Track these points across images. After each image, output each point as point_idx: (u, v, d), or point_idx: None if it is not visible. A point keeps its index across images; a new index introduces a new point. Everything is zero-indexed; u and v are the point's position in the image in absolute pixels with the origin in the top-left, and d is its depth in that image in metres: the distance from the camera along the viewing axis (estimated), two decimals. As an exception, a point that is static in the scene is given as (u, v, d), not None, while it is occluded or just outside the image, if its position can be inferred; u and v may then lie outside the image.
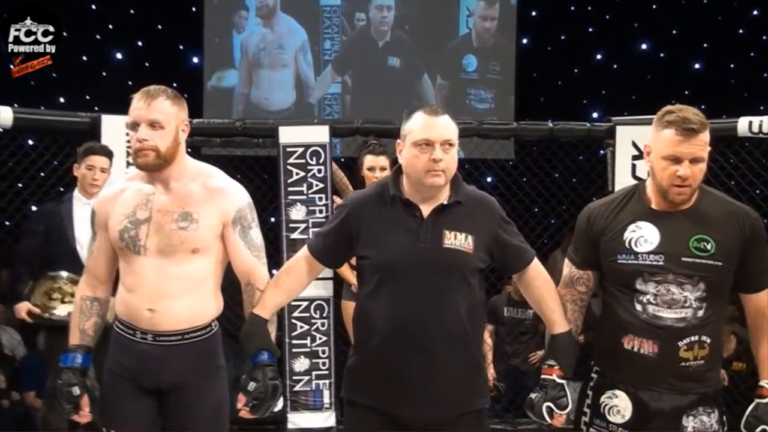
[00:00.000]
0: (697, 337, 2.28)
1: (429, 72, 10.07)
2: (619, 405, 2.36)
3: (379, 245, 2.36)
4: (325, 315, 4.51)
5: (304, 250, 2.55)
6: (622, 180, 4.46)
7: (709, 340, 2.29)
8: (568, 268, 2.52)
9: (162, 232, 2.45)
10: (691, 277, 2.27)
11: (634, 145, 4.49)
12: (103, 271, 2.60)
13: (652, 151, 2.32)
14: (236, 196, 2.55)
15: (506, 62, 10.13)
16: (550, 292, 2.47)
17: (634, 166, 4.50)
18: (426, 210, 2.35)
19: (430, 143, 2.30)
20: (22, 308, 4.03)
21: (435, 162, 2.28)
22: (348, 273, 4.14)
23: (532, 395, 2.44)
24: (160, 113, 2.42)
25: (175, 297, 2.47)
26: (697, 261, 2.27)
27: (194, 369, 2.51)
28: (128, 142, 4.32)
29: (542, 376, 2.45)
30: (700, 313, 2.27)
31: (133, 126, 2.43)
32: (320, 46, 9.86)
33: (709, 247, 2.27)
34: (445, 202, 2.35)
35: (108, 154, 4.08)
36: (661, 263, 2.28)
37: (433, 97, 9.98)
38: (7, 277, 6.55)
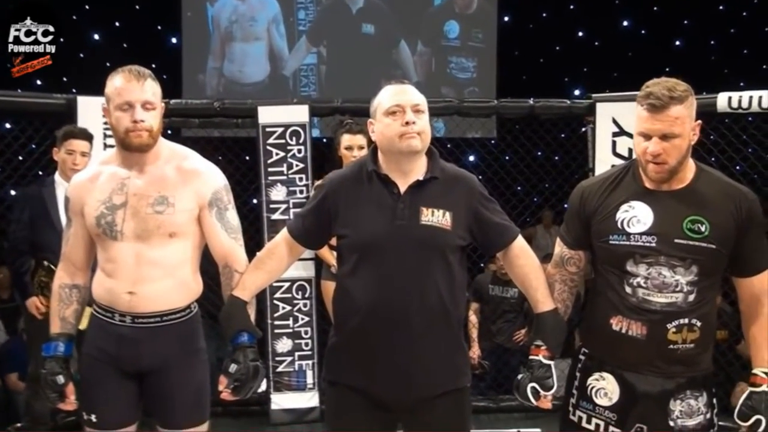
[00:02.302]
0: (686, 320, 2.23)
1: (409, 39, 9.92)
2: (607, 387, 2.33)
3: (357, 224, 2.33)
4: (307, 295, 4.50)
5: (284, 232, 2.52)
6: (603, 157, 4.46)
7: (699, 324, 2.24)
8: (559, 247, 2.46)
9: (138, 216, 2.41)
10: (684, 260, 2.21)
11: (615, 122, 4.49)
12: (81, 258, 2.55)
13: (634, 130, 2.28)
14: (212, 179, 2.52)
15: (489, 30, 10.07)
16: (534, 271, 2.42)
17: (614, 143, 4.49)
18: (403, 186, 2.32)
19: (400, 107, 2.29)
20: (33, 303, 4.00)
21: (408, 125, 2.26)
22: (327, 254, 4.12)
23: (519, 376, 2.39)
24: (152, 94, 2.39)
25: (153, 281, 2.43)
26: (691, 243, 2.20)
27: (174, 351, 2.48)
28: (105, 125, 4.29)
29: (529, 357, 2.40)
30: (691, 297, 2.22)
31: (124, 107, 2.37)
32: (294, 17, 9.78)
33: (703, 229, 2.21)
34: (421, 178, 2.32)
35: (88, 137, 4.03)
36: (654, 245, 2.22)
37: (412, 65, 9.88)
38: (8, 272, 6.55)
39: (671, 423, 2.28)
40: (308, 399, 4.50)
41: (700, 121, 2.26)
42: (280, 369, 4.49)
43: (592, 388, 2.36)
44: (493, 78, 9.98)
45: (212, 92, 9.94)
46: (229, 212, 2.53)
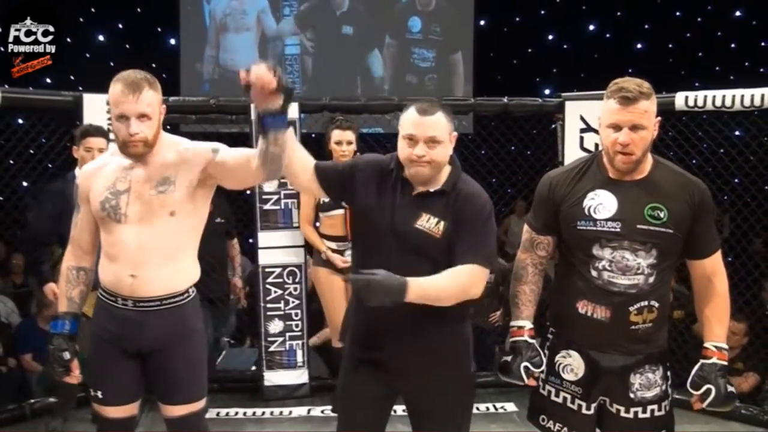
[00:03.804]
0: (646, 302, 2.25)
1: (378, 33, 10.38)
2: (573, 364, 2.34)
3: (370, 211, 2.33)
4: (297, 280, 4.49)
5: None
6: (571, 152, 4.47)
7: (657, 305, 2.26)
8: (528, 233, 2.45)
9: (142, 199, 2.39)
10: (645, 244, 2.23)
11: (582, 119, 4.50)
12: (88, 242, 2.53)
13: (600, 123, 2.29)
14: (204, 144, 2.47)
15: (447, 24, 10.34)
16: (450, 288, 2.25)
17: (581, 139, 4.50)
18: (416, 190, 2.30)
19: (414, 139, 2.25)
20: (50, 289, 3.96)
21: (418, 157, 2.24)
22: (317, 240, 4.13)
23: (506, 358, 2.35)
24: (147, 106, 2.34)
25: (155, 264, 2.40)
26: (651, 228, 2.22)
27: (172, 333, 2.46)
28: (109, 121, 4.25)
29: (512, 339, 2.38)
30: (651, 279, 2.24)
31: (121, 118, 2.34)
32: (281, 12, 10.21)
33: (662, 215, 2.23)
34: (431, 189, 2.29)
35: (104, 134, 3.96)
36: (618, 230, 2.23)
37: (381, 65, 10.32)
38: (26, 261, 6.50)
39: (631, 395, 2.31)
40: (298, 376, 4.50)
41: (660, 118, 2.29)
42: (272, 348, 4.49)
43: (560, 364, 2.37)
44: (452, 67, 10.27)
45: (208, 77, 10.32)
46: (233, 149, 2.46)
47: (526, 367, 2.31)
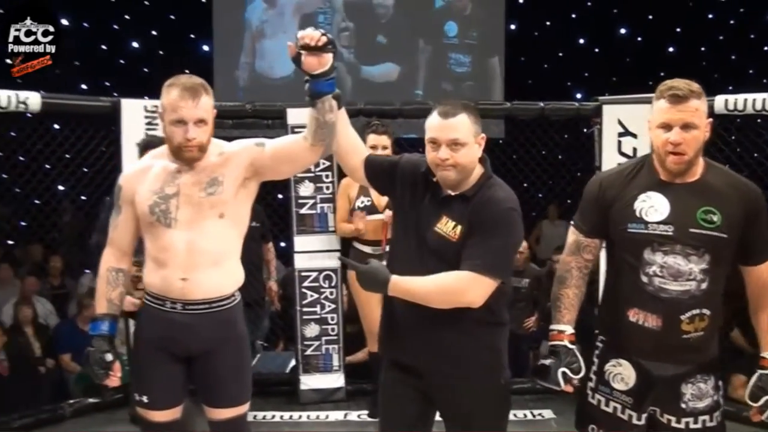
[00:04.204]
0: (698, 311, 2.16)
1: (413, 37, 10.22)
2: (623, 373, 2.26)
3: (401, 211, 2.33)
4: (333, 284, 4.44)
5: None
6: (609, 156, 4.36)
7: (708, 312, 2.18)
8: (574, 236, 2.36)
9: (191, 202, 2.37)
10: (698, 249, 2.14)
11: (620, 123, 4.39)
12: (127, 243, 2.50)
13: (651, 125, 2.22)
14: (247, 140, 2.49)
15: (484, 28, 10.20)
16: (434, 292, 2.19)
17: (619, 143, 4.40)
18: (442, 194, 2.26)
19: (437, 142, 2.22)
20: (130, 302, 3.93)
21: (441, 160, 2.20)
22: (348, 227, 4.06)
23: (545, 362, 2.27)
24: (204, 111, 2.34)
25: (204, 268, 2.38)
26: (704, 232, 2.14)
27: (220, 336, 2.44)
28: (148, 126, 4.25)
29: (552, 343, 2.30)
30: (704, 285, 2.15)
31: (178, 123, 2.32)
32: (315, 20, 10.01)
33: (715, 219, 2.15)
34: (453, 193, 2.25)
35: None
36: (671, 233, 2.15)
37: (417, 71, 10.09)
38: (60, 261, 6.55)
39: (683, 405, 2.23)
40: (334, 380, 4.46)
41: (711, 119, 2.21)
42: (308, 352, 4.45)
43: (610, 373, 2.29)
44: (488, 74, 10.08)
45: (244, 84, 10.21)
46: (278, 138, 2.48)
47: (564, 373, 2.22)
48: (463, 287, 2.15)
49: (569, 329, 2.29)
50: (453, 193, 2.24)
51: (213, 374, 2.45)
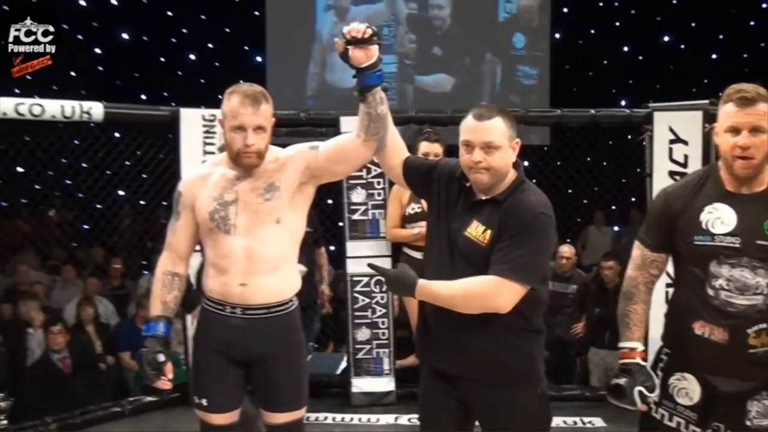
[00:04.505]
0: (765, 325, 2.04)
1: (478, 49, 10.09)
2: (688, 387, 2.14)
3: (436, 215, 2.25)
4: (384, 289, 4.35)
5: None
6: (660, 163, 4.21)
7: None
8: (639, 251, 2.24)
9: (250, 208, 2.33)
10: (765, 261, 2.02)
11: (671, 130, 4.23)
12: (185, 248, 2.47)
13: (717, 130, 2.10)
14: (300, 145, 2.44)
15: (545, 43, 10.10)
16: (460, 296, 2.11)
17: (670, 150, 4.23)
18: (475, 198, 2.18)
19: (470, 145, 2.13)
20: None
21: (475, 163, 2.11)
22: (405, 232, 3.98)
23: (619, 381, 2.12)
24: (264, 118, 2.30)
25: (263, 274, 2.35)
26: None
27: (279, 341, 2.40)
28: (206, 135, 4.24)
29: (623, 361, 2.16)
30: None
31: (238, 129, 2.28)
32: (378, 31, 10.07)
33: None
34: (484, 197, 2.16)
35: None
36: (737, 245, 2.04)
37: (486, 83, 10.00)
38: (121, 263, 6.63)
39: (747, 422, 2.09)
40: (385, 383, 4.38)
41: None
42: (359, 356, 4.38)
43: (674, 387, 2.17)
44: (546, 86, 9.91)
45: (312, 93, 10.32)
46: (330, 140, 2.43)
47: (640, 392, 2.08)
48: (489, 292, 2.06)
49: (640, 346, 2.17)
50: (484, 198, 2.16)
51: (270, 379, 2.41)
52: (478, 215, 2.15)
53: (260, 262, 2.35)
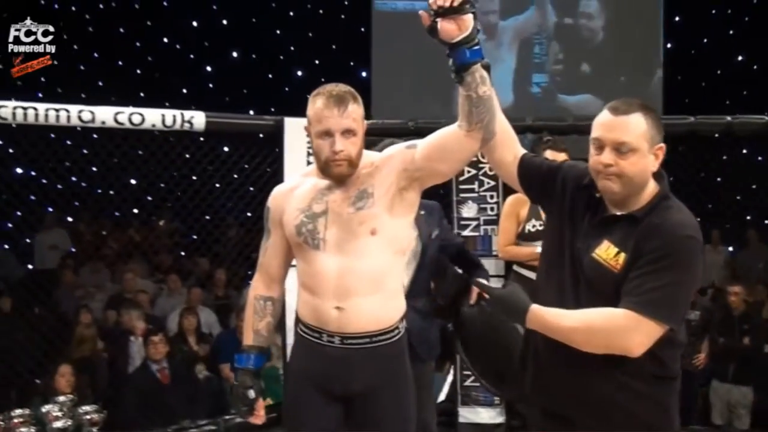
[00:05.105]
0: None
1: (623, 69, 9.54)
2: None
3: (556, 227, 1.83)
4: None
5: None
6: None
7: None
8: None
9: (340, 220, 2.00)
10: None
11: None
12: (277, 269, 2.16)
13: None
14: (396, 145, 2.09)
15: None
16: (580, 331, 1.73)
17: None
18: (607, 212, 1.74)
19: (601, 144, 1.70)
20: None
21: (603, 166, 1.68)
22: (521, 250, 3.45)
23: None
24: (352, 121, 1.96)
25: (360, 294, 1.99)
26: None
27: (384, 375, 2.04)
28: (309, 145, 3.89)
29: None
30: None
31: (324, 135, 1.96)
32: (530, 50, 9.61)
33: None
34: (619, 213, 1.73)
35: None
36: None
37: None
38: (224, 274, 6.49)
39: None
40: (495, 415, 3.84)
41: None
42: (467, 383, 3.85)
43: None
44: (659, 97, 9.24)
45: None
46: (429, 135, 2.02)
47: None
48: (618, 329, 1.65)
49: None
50: (619, 213, 1.74)
51: (372, 418, 2.04)
52: (609, 234, 1.72)
53: (356, 280, 1.99)
